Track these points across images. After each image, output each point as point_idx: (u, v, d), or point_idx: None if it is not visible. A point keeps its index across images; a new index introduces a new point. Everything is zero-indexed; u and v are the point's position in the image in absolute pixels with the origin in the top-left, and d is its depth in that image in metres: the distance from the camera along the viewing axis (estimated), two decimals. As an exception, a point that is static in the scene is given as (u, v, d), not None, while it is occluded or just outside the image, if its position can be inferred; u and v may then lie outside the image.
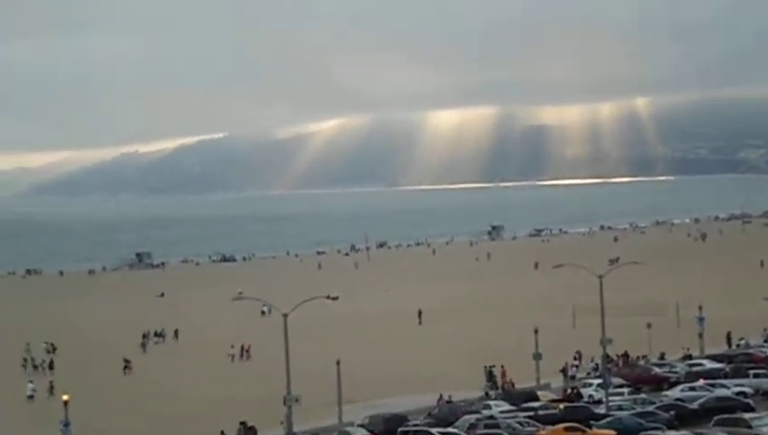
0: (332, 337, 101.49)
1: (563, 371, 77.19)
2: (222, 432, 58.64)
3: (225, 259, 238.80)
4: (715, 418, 51.45)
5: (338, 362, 62.88)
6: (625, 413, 55.59)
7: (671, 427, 52.43)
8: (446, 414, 61.50)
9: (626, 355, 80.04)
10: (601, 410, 58.59)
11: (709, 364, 71.00)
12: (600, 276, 64.02)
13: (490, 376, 75.00)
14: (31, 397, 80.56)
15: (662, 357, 79.02)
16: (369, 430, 57.50)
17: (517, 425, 54.66)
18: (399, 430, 56.17)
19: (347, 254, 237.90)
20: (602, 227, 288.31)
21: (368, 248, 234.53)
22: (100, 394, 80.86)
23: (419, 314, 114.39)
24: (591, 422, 54.52)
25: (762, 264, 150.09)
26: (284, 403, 55.50)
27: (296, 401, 55.23)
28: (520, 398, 63.91)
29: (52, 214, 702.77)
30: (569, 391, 67.72)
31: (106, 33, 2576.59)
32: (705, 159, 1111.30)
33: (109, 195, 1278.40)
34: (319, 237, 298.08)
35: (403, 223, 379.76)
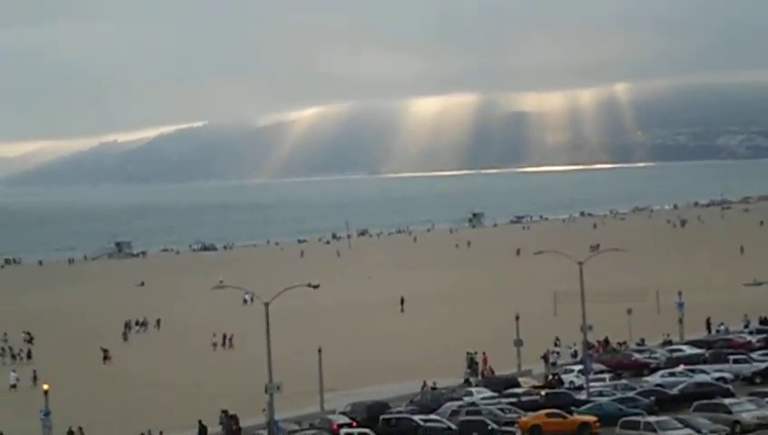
0: (314, 325, 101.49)
1: (545, 357, 77.44)
2: (200, 422, 58.47)
3: (205, 248, 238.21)
4: (695, 403, 51.70)
5: (319, 350, 62.86)
6: (605, 399, 55.83)
7: (651, 412, 52.63)
8: (429, 401, 61.59)
9: (606, 341, 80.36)
10: (582, 396, 58.81)
11: (689, 350, 71.34)
12: (581, 263, 64.20)
13: (471, 363, 75.13)
14: (14, 386, 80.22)
15: (642, 343, 79.38)
16: (352, 418, 57.53)
17: (499, 411, 54.79)
18: (381, 417, 56.22)
19: (328, 242, 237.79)
20: (582, 214, 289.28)
21: (349, 236, 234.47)
22: (80, 383, 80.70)
23: (402, 301, 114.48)
24: (572, 408, 54.72)
25: (742, 250, 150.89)
26: (266, 391, 55.45)
27: (278, 389, 55.18)
28: (501, 384, 64.05)
29: (31, 204, 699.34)
30: (550, 377, 67.93)
31: (85, 21, 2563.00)
32: (685, 146, 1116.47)
33: (88, 184, 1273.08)
34: (300, 226, 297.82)
35: (384, 211, 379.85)
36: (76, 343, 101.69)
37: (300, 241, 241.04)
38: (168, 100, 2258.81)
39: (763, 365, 63.30)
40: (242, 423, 59.58)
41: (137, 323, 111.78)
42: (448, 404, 58.45)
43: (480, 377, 71.46)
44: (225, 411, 60.89)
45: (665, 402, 55.28)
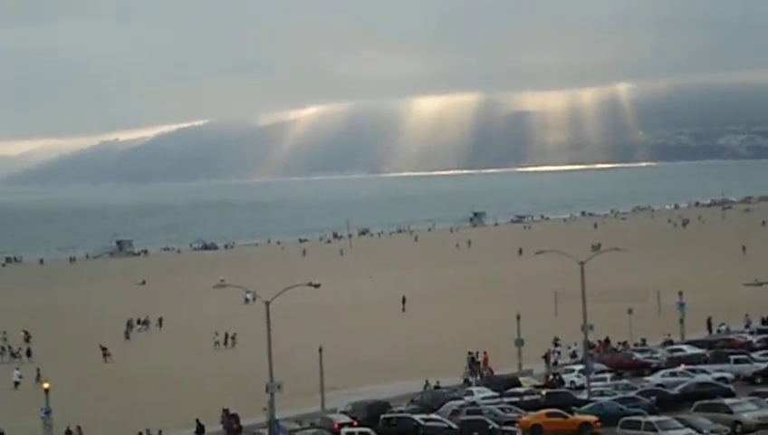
0: (316, 324, 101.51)
1: (545, 357, 77.43)
2: (197, 421, 58.48)
3: (206, 247, 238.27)
4: (696, 403, 51.71)
5: (320, 349, 62.85)
6: (606, 399, 55.83)
7: (652, 412, 52.64)
8: (429, 401, 61.60)
9: (607, 341, 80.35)
10: (583, 395, 58.81)
11: (690, 350, 71.34)
12: (582, 263, 64.17)
13: (473, 362, 75.10)
14: (17, 384, 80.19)
15: (643, 343, 79.35)
16: (352, 417, 57.54)
17: (499, 411, 54.79)
18: (382, 416, 56.22)
19: (329, 241, 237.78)
20: (583, 214, 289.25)
21: (350, 236, 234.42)
22: (80, 382, 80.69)
23: (403, 300, 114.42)
24: (573, 408, 54.73)
25: (744, 249, 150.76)
26: (267, 390, 55.48)
27: (278, 388, 55.22)
28: (502, 384, 64.04)
29: (32, 202, 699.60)
30: (551, 377, 67.92)
31: (86, 21, 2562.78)
32: (686, 145, 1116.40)
33: (89, 183, 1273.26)
34: (301, 225, 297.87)
35: (385, 210, 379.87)
36: (77, 342, 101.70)
37: (301, 240, 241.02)
38: (168, 98, 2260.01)
39: (763, 365, 63.31)
40: (243, 422, 59.64)
41: (139, 322, 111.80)
42: (449, 404, 58.47)
43: (479, 377, 71.41)
44: (225, 410, 60.95)
45: (666, 402, 55.30)
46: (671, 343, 78.27)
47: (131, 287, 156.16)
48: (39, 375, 78.91)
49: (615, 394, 57.30)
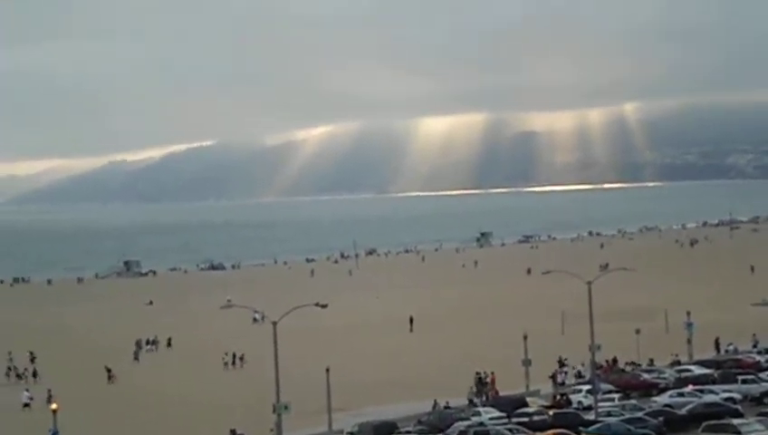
0: (324, 344, 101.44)
1: (553, 377, 77.29)
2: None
3: (213, 267, 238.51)
4: (704, 424, 51.58)
5: (327, 370, 62.86)
6: (614, 419, 55.70)
7: (660, 433, 52.54)
8: (437, 421, 61.51)
9: (615, 361, 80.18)
10: (591, 416, 58.68)
11: (698, 370, 71.17)
12: (589, 282, 64.15)
13: (480, 382, 74.97)
14: (27, 405, 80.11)
15: (651, 363, 79.17)
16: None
17: (507, 432, 54.68)
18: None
19: (336, 261, 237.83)
20: (591, 234, 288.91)
21: (357, 256, 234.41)
22: (87, 403, 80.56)
23: (411, 320, 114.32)
24: (581, 428, 54.61)
25: (752, 269, 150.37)
26: (274, 411, 55.47)
27: (286, 408, 55.21)
28: (510, 404, 63.93)
29: (40, 222, 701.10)
30: (558, 397, 67.78)
31: (95, 41, 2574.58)
32: (694, 165, 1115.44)
33: (97, 203, 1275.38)
34: (308, 245, 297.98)
35: (392, 230, 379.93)
36: (84, 363, 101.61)
37: (308, 260, 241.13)
38: (177, 119, 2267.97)
39: (771, 386, 63.10)
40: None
41: (147, 343, 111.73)
42: (457, 424, 58.41)
43: (485, 398, 71.19)
44: (233, 431, 60.94)
45: (673, 423, 55.17)
46: (679, 363, 78.09)
47: (139, 307, 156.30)
48: (50, 396, 78.82)
49: (622, 415, 57.15)
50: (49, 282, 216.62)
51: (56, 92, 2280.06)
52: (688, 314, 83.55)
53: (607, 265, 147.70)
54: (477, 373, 76.11)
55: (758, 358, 75.50)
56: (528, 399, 66.32)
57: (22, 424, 74.62)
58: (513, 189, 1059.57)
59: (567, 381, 76.73)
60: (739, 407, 57.88)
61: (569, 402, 65.59)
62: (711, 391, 62.05)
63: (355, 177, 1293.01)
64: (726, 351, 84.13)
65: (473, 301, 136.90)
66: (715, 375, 68.10)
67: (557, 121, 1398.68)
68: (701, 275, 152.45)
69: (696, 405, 57.93)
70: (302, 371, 78.88)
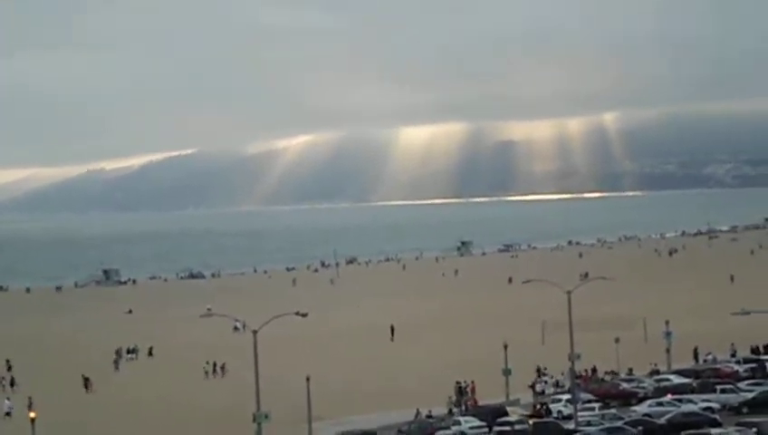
0: (305, 353, 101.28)
1: (533, 386, 77.45)
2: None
3: (192, 276, 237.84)
4: (683, 433, 51.80)
5: (308, 379, 62.80)
6: (593, 429, 55.86)
7: (639, 442, 52.71)
8: (417, 431, 61.52)
9: (594, 370, 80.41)
10: (570, 425, 58.82)
11: (676, 379, 71.44)
12: (569, 292, 64.36)
13: (461, 392, 75.03)
14: (8, 414, 79.55)
15: (630, 372, 79.42)
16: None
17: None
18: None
19: (316, 270, 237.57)
20: (570, 243, 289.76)
21: (337, 264, 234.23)
22: (65, 412, 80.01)
23: (392, 329, 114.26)
24: (560, 438, 54.74)
25: (732, 279, 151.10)
26: (254, 420, 55.38)
27: (266, 417, 55.13)
28: (490, 414, 64.01)
29: (18, 231, 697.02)
30: (538, 406, 67.93)
31: (74, 51, 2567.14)
32: (673, 175, 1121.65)
33: (76, 212, 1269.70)
34: (288, 254, 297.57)
35: (373, 239, 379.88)
36: (64, 371, 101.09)
37: (288, 269, 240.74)
38: (156, 127, 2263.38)
39: (749, 395, 63.41)
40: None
41: (128, 351, 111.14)
42: (439, 433, 58.45)
43: (463, 407, 71.18)
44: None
45: (652, 432, 55.38)
46: (658, 372, 78.38)
47: (118, 316, 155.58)
48: (31, 404, 78.40)
49: (602, 424, 57.32)
50: (27, 290, 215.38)
51: (34, 101, 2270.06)
52: (667, 323, 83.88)
53: (587, 274, 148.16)
54: (458, 382, 76.19)
55: (736, 368, 75.84)
56: (508, 408, 66.43)
57: (3, 433, 74.09)
58: (494, 198, 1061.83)
59: (546, 391, 76.90)
60: (717, 416, 58.13)
61: (549, 412, 65.74)
62: (690, 401, 62.30)
63: (335, 186, 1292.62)
64: (705, 360, 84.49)
65: (453, 310, 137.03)
66: (694, 385, 68.37)
67: (537, 131, 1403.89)
68: (680, 284, 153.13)
69: (674, 415, 58.16)
70: (282, 380, 78.76)
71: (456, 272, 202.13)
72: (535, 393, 76.19)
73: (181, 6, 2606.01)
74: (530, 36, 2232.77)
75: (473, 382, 75.94)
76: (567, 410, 64.36)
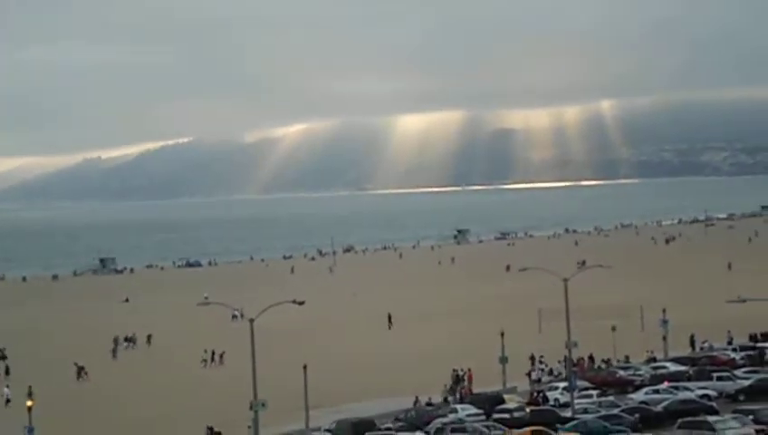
0: (303, 341, 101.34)
1: (529, 374, 77.55)
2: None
3: (189, 264, 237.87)
4: (680, 420, 51.88)
5: (305, 367, 62.81)
6: (590, 416, 55.95)
7: (636, 430, 52.80)
8: (415, 418, 61.60)
9: (591, 358, 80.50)
10: (567, 413, 58.92)
11: (673, 367, 71.54)
12: (565, 280, 64.39)
13: (457, 380, 75.10)
14: (8, 401, 79.52)
15: (627, 360, 79.53)
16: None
17: (484, 429, 54.86)
18: (367, 434, 56.14)
19: (313, 258, 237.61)
20: (567, 231, 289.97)
21: (334, 253, 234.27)
22: (57, 401, 79.88)
23: (389, 318, 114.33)
24: (557, 425, 54.83)
25: (729, 266, 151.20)
26: (251, 408, 55.43)
27: (263, 405, 55.19)
28: (487, 401, 64.08)
29: (15, 220, 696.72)
30: (535, 394, 68.02)
31: (69, 40, 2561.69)
32: (670, 162, 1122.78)
33: (72, 201, 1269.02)
34: (285, 242, 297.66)
35: (370, 227, 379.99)
36: (60, 360, 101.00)
37: (285, 257, 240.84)
38: (152, 116, 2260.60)
39: (746, 383, 63.54)
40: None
41: (126, 340, 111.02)
42: (436, 421, 58.57)
43: (458, 396, 71.15)
44: (210, 428, 60.82)
45: (649, 420, 55.47)
46: (654, 359, 78.49)
47: (115, 305, 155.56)
48: (31, 393, 78.34)
49: (599, 412, 57.42)
50: (24, 279, 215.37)
51: (30, 90, 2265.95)
52: (664, 311, 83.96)
53: (584, 262, 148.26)
54: (454, 370, 76.27)
55: (733, 355, 75.98)
56: (505, 396, 66.51)
57: (6, 420, 73.83)
58: (490, 187, 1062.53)
59: (543, 379, 77.01)
60: (714, 404, 58.24)
61: (546, 400, 65.83)
62: (686, 388, 62.41)
63: (332, 174, 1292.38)
64: (701, 348, 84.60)
65: (450, 298, 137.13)
66: (691, 372, 68.48)
67: (534, 119, 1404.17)
68: (676, 272, 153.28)
69: (671, 402, 58.27)
70: (280, 367, 78.81)
71: (453, 260, 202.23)
72: (531, 381, 76.27)
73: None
74: (527, 24, 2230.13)
75: (470, 370, 76.01)
76: (564, 398, 64.47)
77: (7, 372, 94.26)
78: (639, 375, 70.42)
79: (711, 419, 51.33)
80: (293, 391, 66.29)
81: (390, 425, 60.32)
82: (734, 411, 54.16)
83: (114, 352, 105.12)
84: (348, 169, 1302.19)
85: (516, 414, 58.73)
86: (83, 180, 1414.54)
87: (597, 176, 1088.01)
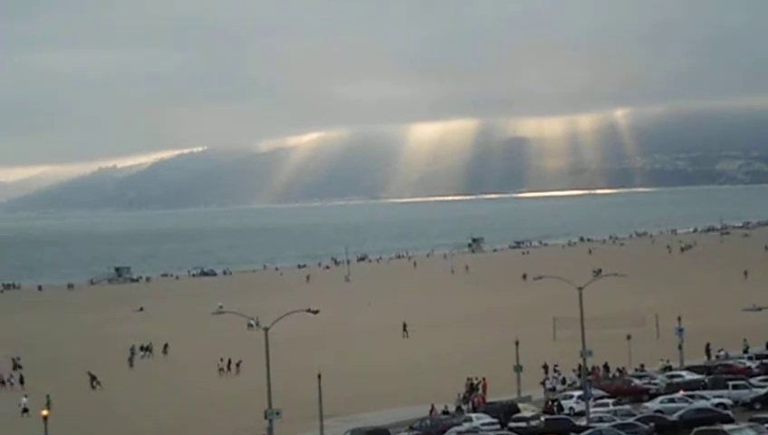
0: (318, 350, 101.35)
1: (544, 383, 77.36)
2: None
3: (204, 273, 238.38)
4: (695, 429, 51.67)
5: (319, 376, 62.89)
6: (605, 425, 55.76)
7: (651, 439, 52.60)
8: (429, 427, 61.52)
9: (606, 367, 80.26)
10: (582, 421, 58.75)
11: (689, 376, 71.28)
12: (580, 288, 64.26)
13: (471, 388, 74.96)
14: (26, 411, 79.70)
15: (642, 368, 79.27)
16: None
17: (499, 437, 54.75)
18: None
19: (327, 267, 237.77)
20: (582, 239, 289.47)
21: (348, 262, 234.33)
22: (70, 410, 79.98)
23: (404, 326, 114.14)
24: (572, 434, 54.64)
25: (746, 274, 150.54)
26: (265, 417, 55.49)
27: (277, 414, 55.23)
28: (502, 410, 63.96)
29: (30, 229, 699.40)
30: (550, 403, 67.86)
31: (85, 48, 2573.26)
32: (684, 171, 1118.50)
33: (87, 210, 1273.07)
34: (300, 251, 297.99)
35: (384, 236, 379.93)
36: (75, 370, 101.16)
37: (300, 266, 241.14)
38: (167, 125, 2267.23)
39: (762, 391, 63.28)
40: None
41: (141, 349, 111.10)
42: (451, 430, 58.49)
43: (470, 405, 70.94)
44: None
45: (664, 428, 55.28)
46: (670, 368, 78.20)
47: (130, 314, 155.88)
48: (49, 402, 78.53)
49: (614, 420, 57.24)
50: (39, 288, 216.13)
51: (46, 99, 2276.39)
52: (679, 319, 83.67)
53: (599, 270, 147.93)
54: (469, 379, 76.15)
55: (749, 363, 75.66)
56: (520, 405, 66.39)
57: (23, 430, 73.99)
58: (505, 195, 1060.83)
59: (557, 387, 76.80)
60: (730, 412, 58.02)
61: (560, 408, 65.66)
62: (702, 397, 62.19)
63: (346, 183, 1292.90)
64: (717, 356, 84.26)
65: (465, 307, 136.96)
66: (706, 381, 68.21)
67: (548, 127, 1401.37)
68: (692, 280, 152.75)
69: (687, 411, 58.06)
70: (295, 376, 78.87)
71: (467, 268, 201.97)
72: (546, 390, 76.08)
73: (192, 3, 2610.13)
74: (541, 33, 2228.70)
75: (484, 379, 75.90)
76: (579, 407, 64.28)
77: (21, 381, 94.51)
78: (655, 384, 70.18)
79: (727, 427, 51.12)
80: (308, 399, 66.36)
81: (405, 434, 60.24)
82: (750, 420, 53.93)
83: (131, 361, 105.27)
84: (362, 178, 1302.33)
85: (533, 423, 58.62)
86: (99, 189, 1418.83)
87: (611, 184, 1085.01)
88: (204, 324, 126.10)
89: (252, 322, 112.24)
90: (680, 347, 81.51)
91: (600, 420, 58.08)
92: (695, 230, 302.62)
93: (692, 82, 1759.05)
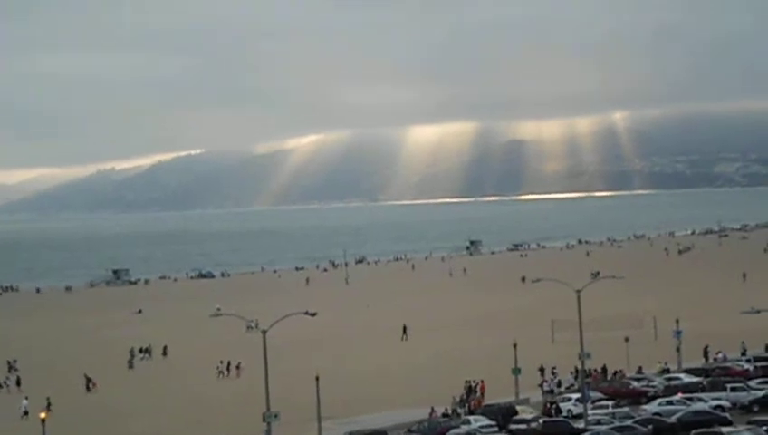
0: (317, 352, 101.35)
1: (542, 385, 77.34)
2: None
3: (202, 275, 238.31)
4: (693, 432, 51.75)
5: (317, 378, 62.87)
6: (603, 428, 55.81)
7: (649, 441, 52.61)
8: (427, 430, 61.51)
9: (604, 370, 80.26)
10: (581, 424, 58.77)
11: (687, 378, 71.32)
12: (578, 291, 64.28)
13: (470, 391, 74.96)
14: (27, 413, 79.63)
15: (640, 371, 79.27)
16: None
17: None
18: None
19: (326, 270, 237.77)
20: (580, 242, 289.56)
21: (346, 264, 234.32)
22: (72, 412, 79.95)
23: (404, 329, 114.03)
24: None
25: (744, 276, 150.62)
26: (263, 420, 55.49)
27: (275, 417, 55.23)
28: (500, 413, 63.98)
29: (28, 231, 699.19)
30: (548, 405, 67.86)
31: (83, 51, 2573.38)
32: (682, 173, 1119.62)
33: (85, 212, 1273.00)
34: (298, 254, 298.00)
35: (382, 238, 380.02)
36: (73, 372, 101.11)
37: (298, 269, 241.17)
38: (165, 128, 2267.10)
39: (760, 394, 63.33)
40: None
41: (141, 351, 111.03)
42: (450, 432, 58.49)
43: (467, 407, 70.88)
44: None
45: (663, 431, 55.31)
46: (668, 371, 78.24)
47: (128, 316, 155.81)
48: (49, 405, 78.46)
49: (612, 423, 57.25)
50: (37, 291, 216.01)
51: (45, 102, 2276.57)
52: (677, 322, 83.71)
53: (597, 273, 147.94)
54: (467, 381, 76.14)
55: (747, 366, 75.70)
56: (518, 407, 66.40)
57: (24, 433, 73.87)
58: (503, 198, 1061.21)
59: (555, 390, 76.80)
60: (728, 415, 58.05)
61: (559, 411, 65.67)
62: (700, 400, 62.23)
63: (345, 185, 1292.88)
64: (715, 359, 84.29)
65: (463, 309, 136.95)
66: (704, 383, 68.24)
67: (546, 130, 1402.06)
68: (690, 283, 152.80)
69: (685, 413, 58.10)
70: (293, 378, 78.83)
71: (465, 271, 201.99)
72: (544, 392, 76.07)
73: (190, 6, 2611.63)
74: (540, 36, 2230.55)
75: (482, 382, 75.90)
76: (577, 409, 64.29)
77: (18, 383, 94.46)
78: (653, 386, 70.22)
79: (725, 430, 51.19)
80: (306, 402, 66.35)
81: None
82: (749, 423, 53.97)
83: (130, 363, 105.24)
84: (360, 181, 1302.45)
85: (533, 425, 58.66)
86: (97, 192, 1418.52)
87: (609, 187, 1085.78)
88: (202, 327, 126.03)
89: (251, 324, 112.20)
90: (678, 350, 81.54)
91: (599, 422, 58.12)
92: (693, 233, 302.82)
93: (690, 85, 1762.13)
